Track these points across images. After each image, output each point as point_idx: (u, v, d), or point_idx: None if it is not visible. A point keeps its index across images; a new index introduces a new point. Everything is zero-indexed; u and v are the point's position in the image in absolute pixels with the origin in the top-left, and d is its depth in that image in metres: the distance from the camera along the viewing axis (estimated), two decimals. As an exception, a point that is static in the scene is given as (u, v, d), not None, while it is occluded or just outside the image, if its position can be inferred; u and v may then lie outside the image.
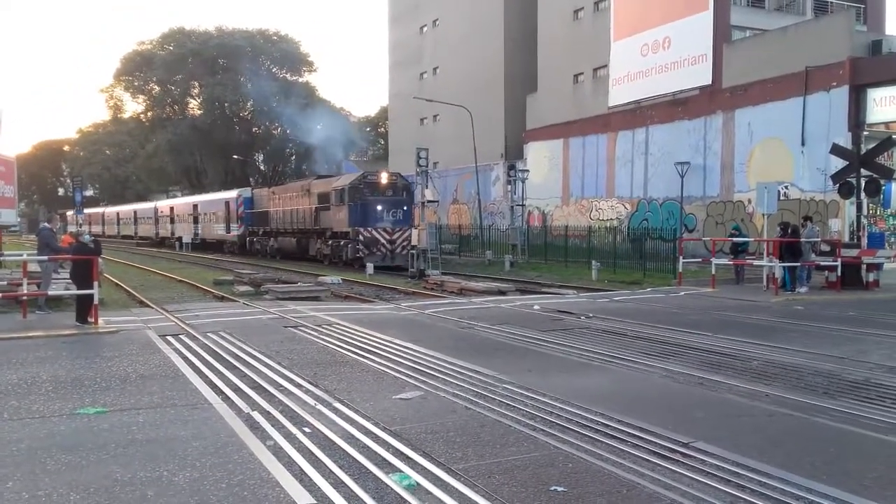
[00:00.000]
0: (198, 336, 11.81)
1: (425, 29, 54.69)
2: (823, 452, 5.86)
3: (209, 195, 52.96)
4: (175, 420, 6.75)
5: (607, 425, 6.57)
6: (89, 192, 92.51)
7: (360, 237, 29.06)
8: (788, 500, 4.84)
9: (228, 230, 45.04)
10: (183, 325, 12.97)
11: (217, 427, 6.50)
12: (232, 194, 45.64)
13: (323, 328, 12.63)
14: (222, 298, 18.91)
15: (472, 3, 47.99)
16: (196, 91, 73.57)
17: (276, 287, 19.64)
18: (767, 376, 8.74)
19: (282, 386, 8.21)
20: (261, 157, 79.94)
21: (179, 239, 52.03)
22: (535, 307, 15.87)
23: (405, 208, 30.32)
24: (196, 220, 51.04)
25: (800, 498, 4.88)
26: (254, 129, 74.20)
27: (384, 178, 30.44)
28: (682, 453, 5.79)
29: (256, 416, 6.95)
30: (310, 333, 12.10)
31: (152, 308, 16.11)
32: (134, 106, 79.03)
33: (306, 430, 6.47)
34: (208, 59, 69.11)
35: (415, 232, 26.10)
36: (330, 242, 31.99)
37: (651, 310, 15.60)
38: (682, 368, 9.18)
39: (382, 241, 29.02)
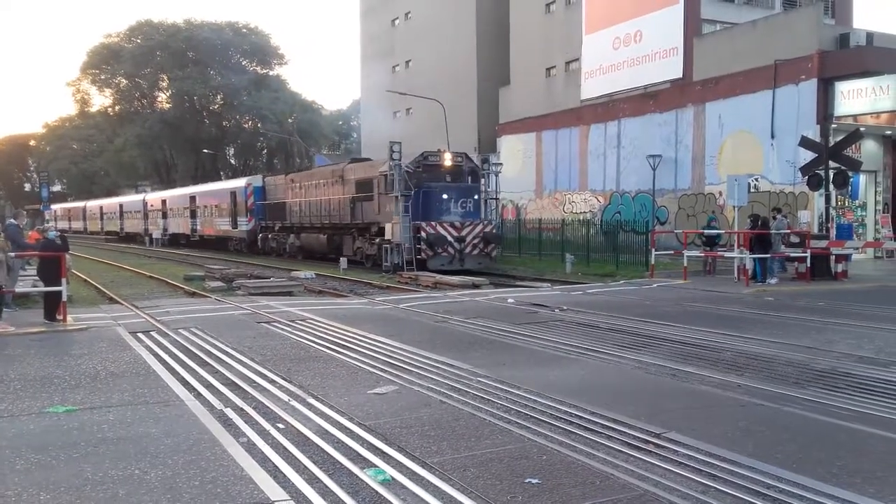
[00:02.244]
0: (169, 332, 11.69)
1: (397, 22, 54.51)
2: (792, 441, 5.95)
3: (210, 185, 47.94)
4: (146, 418, 6.68)
5: (581, 417, 6.61)
6: (56, 188, 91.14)
7: (423, 234, 23.61)
8: (758, 489, 4.90)
9: (235, 225, 39.42)
10: (153, 322, 12.83)
11: (189, 424, 6.44)
12: (239, 183, 40.44)
13: (296, 323, 12.56)
14: (193, 294, 18.74)
15: (445, -4, 47.92)
16: (165, 84, 72.77)
17: (249, 282, 19.51)
18: (739, 367, 8.85)
19: (255, 382, 8.15)
20: (231, 152, 79.33)
21: (165, 234, 48.73)
22: (510, 300, 15.91)
23: (475, 197, 25.07)
24: (194, 215, 45.48)
25: (770, 486, 4.94)
26: (224, 123, 73.57)
27: (448, 159, 25.10)
28: (654, 444, 5.84)
29: (229, 412, 6.89)
30: (283, 329, 12.03)
31: (122, 304, 15.91)
32: (101, 100, 78.08)
33: (280, 426, 6.44)
34: (177, 52, 68.33)
35: (388, 226, 25.37)
36: (377, 241, 25.92)
37: (624, 302, 15.71)
38: (654, 360, 9.26)
39: (450, 238, 23.80)
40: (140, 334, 11.52)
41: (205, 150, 69.11)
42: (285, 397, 7.44)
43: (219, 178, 59.00)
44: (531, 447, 5.79)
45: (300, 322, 12.72)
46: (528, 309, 14.53)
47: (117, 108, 75.81)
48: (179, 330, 11.87)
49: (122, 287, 20.56)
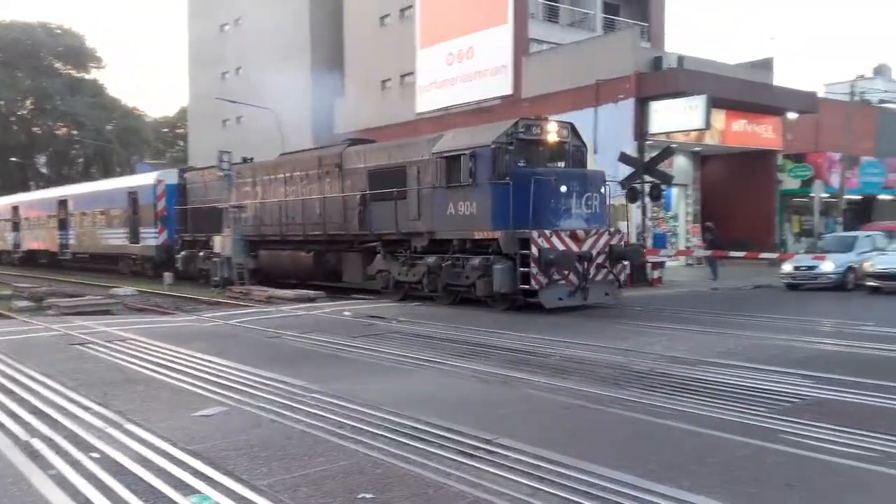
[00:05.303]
0: (-33, 358, 10.56)
1: (227, 27, 52.87)
2: (615, 441, 6.25)
3: (93, 185, 37.40)
4: (-65, 455, 5.97)
5: (416, 428, 6.60)
6: None
7: (534, 250, 14.69)
8: (583, 488, 5.08)
9: (135, 238, 29.47)
10: (-51, 347, 11.56)
11: (-12, 459, 5.82)
12: (144, 181, 29.75)
13: (114, 344, 11.75)
14: (-3, 315, 17.12)
15: (277, 3, 47.00)
16: (-36, 87, 66.47)
17: (61, 301, 18.07)
18: (565, 371, 9.22)
19: (66, 409, 7.50)
20: (43, 160, 73.72)
21: (16, 251, 39.91)
22: (346, 313, 15.76)
23: (602, 191, 16.47)
24: (64, 225, 35.12)
25: (594, 485, 5.14)
26: (34, 129, 68.24)
27: (552, 131, 16.36)
28: (486, 450, 5.93)
29: (37, 443, 6.30)
30: (99, 350, 11.21)
31: (-89, 329, 14.25)
32: None
33: (94, 455, 5.95)
34: (-20, 53, 62.68)
35: (218, 239, 23.95)
36: (431, 260, 17.13)
37: (460, 312, 15.99)
38: (487, 367, 9.46)
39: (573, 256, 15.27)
40: (-69, 361, 10.34)
41: (12, 159, 63.69)
42: (100, 424, 6.90)
43: (28, 189, 54.18)
44: (365, 462, 5.70)
45: (119, 342, 11.91)
46: (365, 321, 14.45)
47: None
48: (-21, 355, 10.77)
49: (-89, 309, 18.43)
